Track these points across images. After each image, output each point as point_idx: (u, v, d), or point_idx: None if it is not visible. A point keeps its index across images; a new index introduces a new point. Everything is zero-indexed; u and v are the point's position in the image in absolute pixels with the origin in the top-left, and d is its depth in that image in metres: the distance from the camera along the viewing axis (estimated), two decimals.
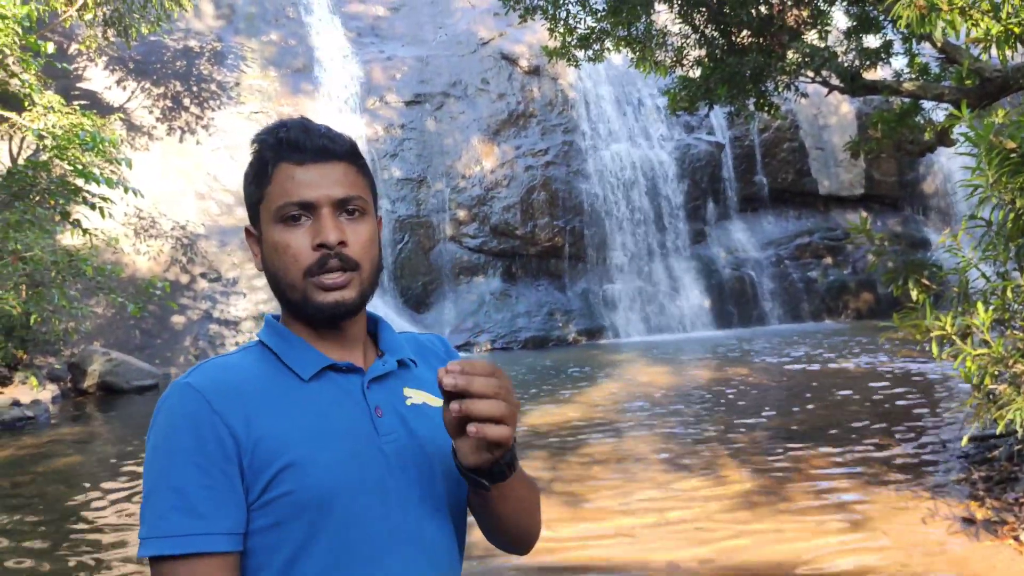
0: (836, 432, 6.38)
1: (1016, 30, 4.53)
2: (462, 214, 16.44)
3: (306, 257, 1.12)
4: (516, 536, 1.24)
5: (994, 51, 4.96)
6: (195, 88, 16.15)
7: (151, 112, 15.56)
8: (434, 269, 16.15)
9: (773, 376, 9.78)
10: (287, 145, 1.14)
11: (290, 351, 1.15)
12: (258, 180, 1.16)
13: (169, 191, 14.69)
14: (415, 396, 1.20)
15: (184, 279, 14.20)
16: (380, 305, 14.95)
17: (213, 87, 16.27)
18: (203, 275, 14.37)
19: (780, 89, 9.11)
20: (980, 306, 3.47)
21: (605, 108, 18.12)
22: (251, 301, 14.34)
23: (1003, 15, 4.50)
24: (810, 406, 7.64)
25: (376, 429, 1.13)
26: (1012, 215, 3.71)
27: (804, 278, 17.51)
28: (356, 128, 16.28)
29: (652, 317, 16.66)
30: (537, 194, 16.61)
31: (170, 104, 15.79)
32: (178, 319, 13.74)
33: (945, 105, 8.99)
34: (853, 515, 4.42)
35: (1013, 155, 3.68)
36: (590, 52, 9.82)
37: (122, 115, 14.54)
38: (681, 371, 10.88)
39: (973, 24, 4.72)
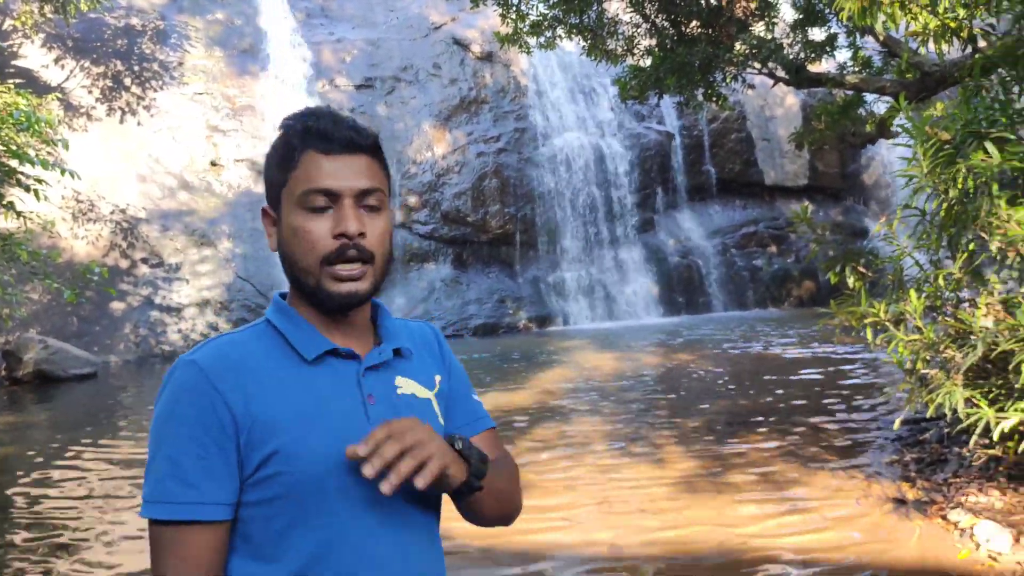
0: (776, 417, 6.53)
1: (952, 25, 4.66)
2: (413, 200, 16.31)
3: (325, 245, 1.16)
4: (496, 519, 1.34)
5: (932, 45, 5.10)
6: (137, 68, 15.67)
7: (90, 92, 15.06)
8: None
9: (717, 362, 9.96)
10: (316, 134, 1.17)
11: (296, 332, 1.19)
12: (283, 164, 1.19)
13: (109, 173, 14.26)
14: (405, 386, 1.26)
15: (124, 264, 13.82)
16: None
17: (155, 67, 15.81)
18: (144, 260, 13.99)
19: (728, 80, 9.23)
20: (912, 293, 3.57)
21: (557, 96, 18.14)
22: (194, 287, 14.02)
23: (940, 10, 4.62)
24: (752, 392, 7.80)
25: (368, 417, 1.17)
26: (945, 205, 3.82)
27: (749, 266, 17.84)
28: None
29: (601, 304, 16.79)
30: (489, 181, 16.57)
31: (110, 84, 15.30)
32: (118, 305, 13.37)
33: (887, 98, 9.23)
34: (791, 497, 4.53)
35: (947, 146, 3.79)
36: (542, 39, 9.80)
37: (60, 94, 14.01)
38: (629, 357, 11.00)
39: (912, 18, 4.84)
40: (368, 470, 1.03)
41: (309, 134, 1.18)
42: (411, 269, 16.09)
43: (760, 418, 6.52)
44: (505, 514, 1.34)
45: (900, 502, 4.28)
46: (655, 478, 5.03)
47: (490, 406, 7.22)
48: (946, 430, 4.90)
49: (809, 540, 3.91)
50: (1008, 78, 4.13)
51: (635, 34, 9.48)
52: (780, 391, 7.72)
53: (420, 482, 1.05)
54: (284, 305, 1.24)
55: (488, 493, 1.22)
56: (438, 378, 1.34)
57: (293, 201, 1.18)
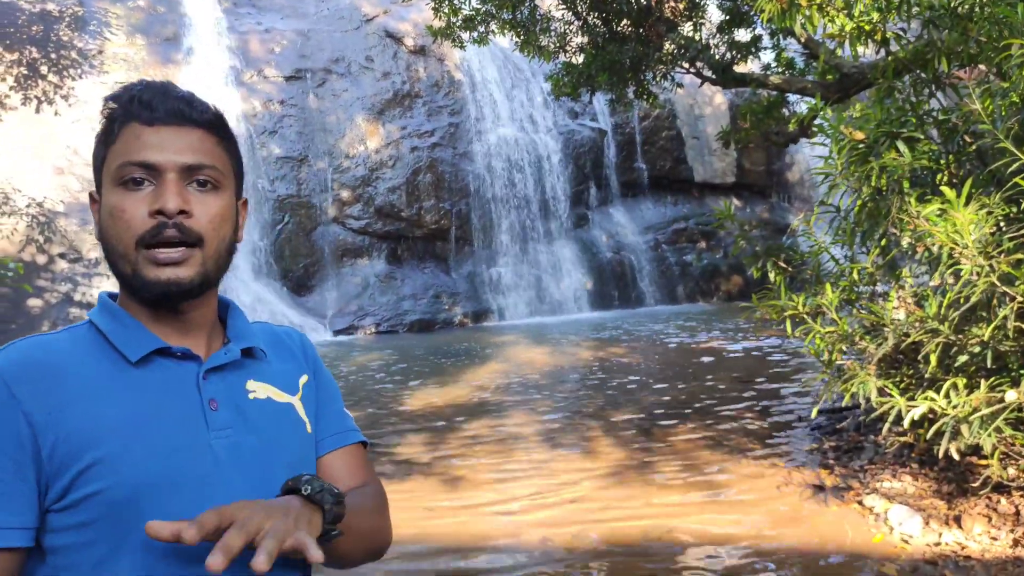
0: (703, 407, 6.69)
1: (867, 28, 4.83)
2: (346, 195, 16.09)
3: (140, 224, 1.02)
4: (360, 559, 1.18)
5: (848, 47, 5.29)
6: (53, 55, 15.01)
7: (3, 80, 14.37)
8: (316, 251, 15.76)
9: (648, 355, 10.14)
10: (139, 103, 1.05)
11: (120, 331, 1.06)
12: (104, 139, 1.08)
13: (24, 165, 13.64)
14: (259, 390, 1.13)
15: (41, 260, 13.26)
16: (259, 288, 14.47)
17: (73, 54, 15.18)
18: (62, 255, 13.45)
19: (658, 78, 9.39)
20: (828, 287, 3.71)
21: (491, 91, 18.13)
22: (115, 283, 13.50)
23: (855, 13, 4.79)
24: (680, 383, 7.96)
25: (207, 423, 1.04)
26: (859, 202, 3.97)
27: (680, 261, 18.20)
28: (232, 102, 15.60)
29: (536, 299, 16.90)
30: (423, 176, 16.47)
31: (25, 72, 14.63)
32: (35, 303, 12.82)
33: (809, 98, 9.53)
34: (715, 485, 4.65)
35: (861, 145, 3.94)
36: (475, 34, 9.78)
37: None
38: (563, 351, 11.10)
39: (830, 20, 5.00)
40: (217, 563, 0.85)
41: (132, 104, 1.06)
42: (344, 264, 15.88)
43: (687, 409, 6.67)
44: (372, 551, 1.18)
45: (819, 488, 4.44)
46: (585, 470, 5.10)
47: (424, 403, 7.23)
48: (861, 418, 5.10)
49: (732, 526, 4.02)
50: (918, 80, 4.31)
51: (567, 31, 9.56)
52: (706, 382, 7.91)
53: (260, 566, 0.86)
54: (110, 303, 1.11)
55: (349, 535, 1.06)
56: (303, 379, 1.21)
57: (110, 178, 1.05)
